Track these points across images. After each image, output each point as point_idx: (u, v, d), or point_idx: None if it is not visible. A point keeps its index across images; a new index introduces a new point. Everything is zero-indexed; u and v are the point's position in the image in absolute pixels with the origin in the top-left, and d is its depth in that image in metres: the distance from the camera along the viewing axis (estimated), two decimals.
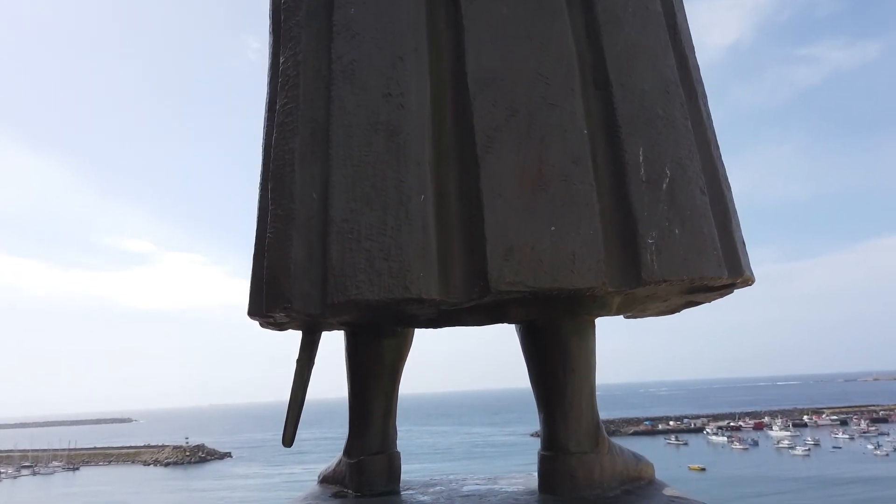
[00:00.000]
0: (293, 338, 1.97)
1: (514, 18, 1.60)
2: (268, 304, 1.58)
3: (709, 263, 1.51)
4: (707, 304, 1.84)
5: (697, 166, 1.58)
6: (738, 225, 1.64)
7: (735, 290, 1.69)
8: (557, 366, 1.76)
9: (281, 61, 1.72)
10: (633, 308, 1.83)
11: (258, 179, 1.79)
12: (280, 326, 1.78)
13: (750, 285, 1.66)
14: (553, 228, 1.47)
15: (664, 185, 1.52)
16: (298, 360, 1.88)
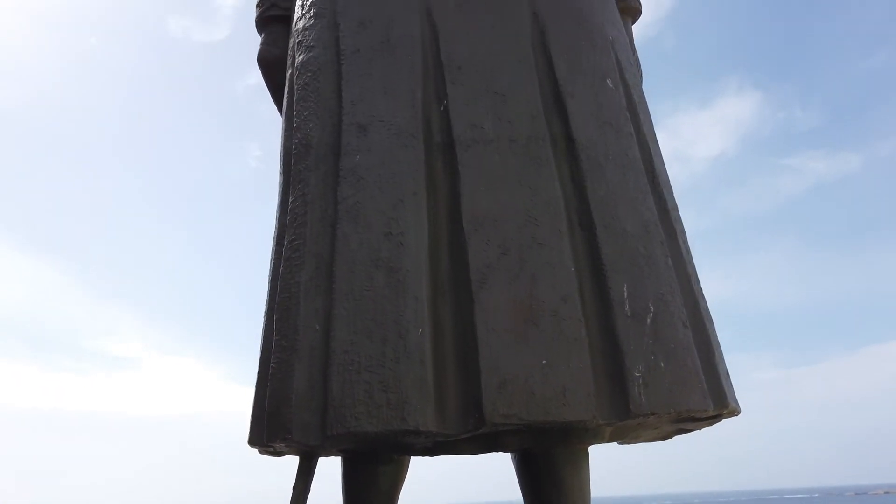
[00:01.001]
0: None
1: (505, 165, 1.75)
2: (269, 435, 1.63)
3: (694, 396, 1.57)
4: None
5: (679, 301, 1.68)
6: (722, 357, 1.72)
7: (722, 420, 1.75)
8: (552, 494, 1.78)
9: (290, 200, 1.86)
10: (625, 436, 1.87)
11: (263, 308, 1.88)
12: (279, 454, 1.81)
13: (736, 416, 1.71)
14: (544, 362, 1.54)
15: (648, 320, 1.61)
16: (294, 487, 1.89)
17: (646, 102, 2.05)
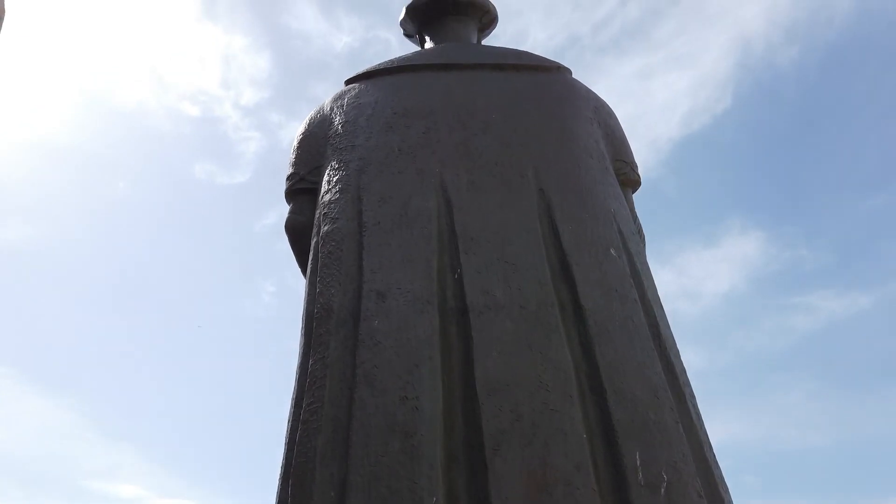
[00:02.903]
0: None
1: (516, 332, 1.84)
2: None
3: None
4: None
5: (692, 469, 1.68)
6: None
7: None
8: None
9: (310, 363, 1.93)
10: None
11: (279, 472, 1.89)
12: None
13: None
14: None
15: (662, 490, 1.61)
16: None
17: (649, 269, 2.17)
